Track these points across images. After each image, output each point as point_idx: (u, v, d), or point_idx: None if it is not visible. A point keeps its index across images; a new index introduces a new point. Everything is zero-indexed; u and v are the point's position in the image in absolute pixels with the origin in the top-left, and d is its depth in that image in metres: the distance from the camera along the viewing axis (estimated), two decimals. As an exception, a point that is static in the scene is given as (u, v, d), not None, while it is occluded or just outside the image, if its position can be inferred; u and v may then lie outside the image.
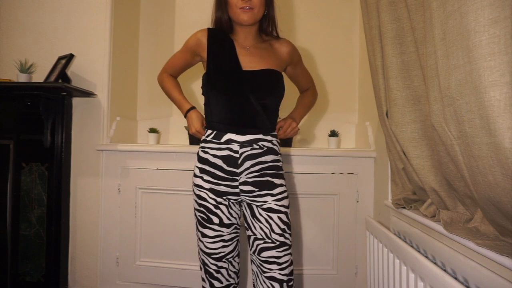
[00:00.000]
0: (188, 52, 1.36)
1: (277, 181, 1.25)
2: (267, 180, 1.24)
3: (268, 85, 1.25)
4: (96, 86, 2.02)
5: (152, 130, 2.16)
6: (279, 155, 1.30)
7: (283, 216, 1.23)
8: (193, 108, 1.34)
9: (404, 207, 1.28)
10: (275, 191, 1.24)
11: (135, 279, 1.95)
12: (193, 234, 1.91)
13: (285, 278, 1.22)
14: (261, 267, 1.23)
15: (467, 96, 0.72)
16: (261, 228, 1.23)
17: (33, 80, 1.93)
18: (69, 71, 1.98)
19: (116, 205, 1.97)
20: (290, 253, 1.24)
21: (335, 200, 1.88)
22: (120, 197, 1.97)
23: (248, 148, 1.22)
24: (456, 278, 0.86)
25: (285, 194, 1.26)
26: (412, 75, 1.12)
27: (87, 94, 1.97)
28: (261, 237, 1.23)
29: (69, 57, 1.90)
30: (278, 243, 1.21)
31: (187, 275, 1.90)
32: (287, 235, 1.23)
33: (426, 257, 1.03)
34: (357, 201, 1.87)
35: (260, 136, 1.23)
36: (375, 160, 1.85)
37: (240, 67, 1.24)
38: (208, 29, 1.32)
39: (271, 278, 1.21)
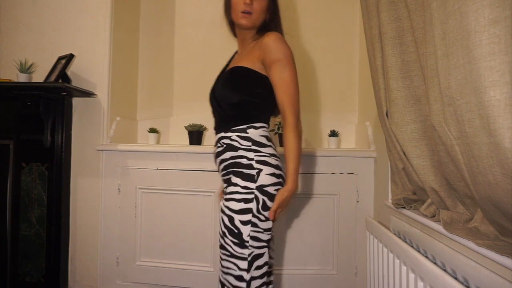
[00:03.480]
0: None
1: (233, 179, 1.15)
2: (229, 178, 1.19)
3: (227, 82, 1.21)
4: (96, 86, 2.02)
5: (152, 130, 2.16)
6: (241, 151, 1.15)
7: (225, 218, 1.13)
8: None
9: (404, 207, 1.28)
10: (227, 190, 1.17)
11: (135, 279, 1.95)
12: (193, 234, 1.92)
13: (226, 283, 1.13)
14: None
15: (467, 96, 0.72)
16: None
17: (33, 80, 1.93)
18: (69, 71, 1.98)
19: (116, 205, 1.97)
20: (235, 264, 1.11)
21: (335, 200, 1.88)
22: (120, 197, 1.97)
23: (216, 147, 1.25)
24: (456, 278, 0.86)
25: (234, 196, 1.13)
26: (412, 75, 1.12)
27: (87, 94, 1.96)
28: None
29: (69, 57, 1.90)
30: (219, 244, 1.17)
31: (187, 275, 1.90)
32: (227, 241, 1.11)
33: (426, 257, 1.03)
34: (357, 201, 1.87)
35: (222, 134, 1.21)
36: (375, 160, 1.85)
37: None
38: None
39: (220, 278, 1.18)
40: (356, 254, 1.86)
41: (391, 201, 1.41)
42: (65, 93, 1.90)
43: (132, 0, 2.30)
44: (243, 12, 1.20)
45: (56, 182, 1.92)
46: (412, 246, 1.13)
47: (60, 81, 1.85)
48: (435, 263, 0.98)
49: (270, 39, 1.14)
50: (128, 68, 2.29)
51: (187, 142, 2.19)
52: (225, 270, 1.13)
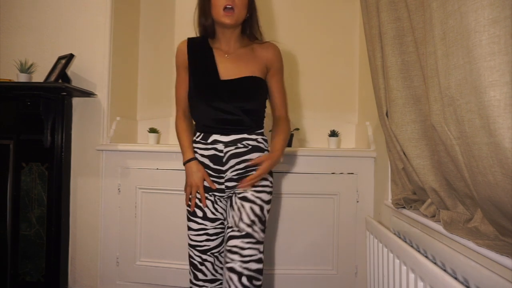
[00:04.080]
0: (181, 69, 1.35)
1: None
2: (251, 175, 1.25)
3: (247, 92, 1.27)
4: (96, 86, 2.02)
5: (152, 130, 2.16)
6: (266, 152, 1.31)
7: (256, 208, 1.23)
8: (194, 159, 1.28)
9: (404, 207, 1.28)
10: (259, 183, 1.26)
11: (135, 279, 1.95)
12: (193, 234, 1.92)
13: (245, 271, 1.16)
14: (226, 258, 1.21)
15: (467, 96, 0.72)
16: (232, 216, 1.24)
17: (33, 80, 1.93)
18: (69, 71, 1.98)
19: (116, 205, 1.97)
20: (257, 249, 1.20)
21: (335, 200, 1.88)
22: (120, 197, 1.97)
23: (233, 148, 1.26)
24: (456, 278, 0.86)
25: (266, 189, 1.28)
26: (412, 75, 1.12)
27: (87, 94, 1.96)
28: (230, 225, 1.24)
29: (69, 57, 1.90)
30: (244, 233, 1.20)
31: (187, 275, 1.89)
32: (256, 228, 1.21)
33: (426, 257, 1.03)
34: (357, 201, 1.87)
35: (245, 135, 1.27)
36: (375, 160, 1.85)
37: (218, 77, 1.27)
38: (188, 39, 1.37)
39: (230, 269, 1.17)
40: (356, 254, 1.86)
41: (391, 201, 1.41)
42: (65, 93, 1.90)
43: (132, 0, 2.30)
44: (225, 8, 1.21)
45: (56, 182, 1.92)
46: (412, 246, 1.13)
47: (60, 81, 1.85)
48: (435, 263, 0.98)
49: (277, 52, 1.34)
50: (128, 68, 2.29)
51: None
52: (247, 258, 1.19)
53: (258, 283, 1.18)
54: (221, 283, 1.30)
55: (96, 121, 2.01)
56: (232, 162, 1.26)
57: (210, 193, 1.29)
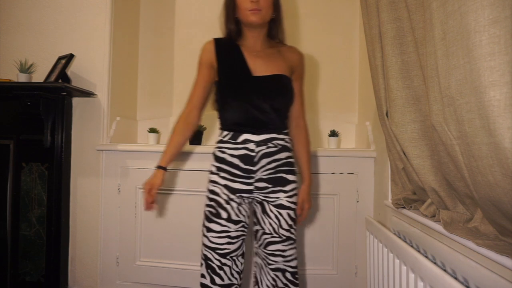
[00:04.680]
0: (204, 66, 1.35)
1: (290, 177, 1.30)
2: (281, 177, 1.29)
3: (278, 89, 1.28)
4: (96, 86, 2.02)
5: (152, 130, 2.16)
6: (292, 152, 1.35)
7: (291, 213, 1.30)
8: (163, 168, 1.33)
9: (404, 207, 1.28)
10: (287, 188, 1.29)
11: (135, 279, 1.95)
12: (193, 234, 1.91)
13: (289, 268, 1.28)
14: (267, 260, 1.29)
15: (467, 96, 0.72)
16: (270, 223, 1.29)
17: (33, 80, 1.93)
18: (69, 71, 1.98)
19: (116, 205, 1.97)
20: (295, 247, 1.31)
21: (335, 200, 1.88)
22: (120, 197, 1.97)
23: (264, 147, 1.27)
24: (456, 278, 0.86)
25: (296, 191, 1.33)
26: (412, 75, 1.12)
27: (87, 94, 1.96)
28: (269, 232, 1.29)
29: (69, 57, 1.90)
30: (284, 237, 1.28)
31: (187, 275, 1.90)
32: (293, 230, 1.30)
33: (426, 257, 1.03)
34: (357, 201, 1.87)
35: (274, 135, 1.28)
36: (375, 160, 1.85)
37: (250, 73, 1.27)
38: (215, 38, 1.35)
39: (276, 270, 1.28)
40: (356, 254, 1.86)
41: (391, 201, 1.41)
42: (65, 93, 1.90)
43: (132, 0, 2.30)
44: (252, 9, 1.22)
45: (56, 182, 1.92)
46: (412, 246, 1.13)
47: (60, 81, 1.85)
48: (435, 263, 0.98)
49: (302, 57, 1.38)
50: (128, 68, 2.29)
51: (187, 142, 2.19)
52: (289, 258, 1.28)
53: (297, 276, 1.31)
54: (237, 287, 1.29)
55: (96, 121, 2.01)
56: (264, 161, 1.27)
57: (238, 195, 1.27)
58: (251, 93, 1.25)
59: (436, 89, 0.86)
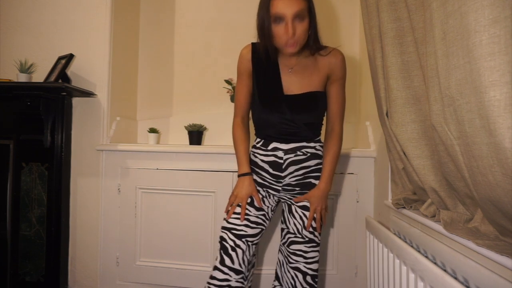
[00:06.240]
0: (244, 75, 1.33)
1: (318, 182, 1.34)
2: (310, 182, 1.34)
3: (309, 108, 1.30)
4: (96, 86, 2.02)
5: (152, 130, 2.16)
6: (321, 159, 1.37)
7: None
8: (249, 174, 1.32)
9: (404, 207, 1.28)
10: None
11: (135, 279, 1.95)
12: (193, 234, 1.92)
13: (309, 271, 1.32)
14: (288, 258, 1.36)
15: (467, 96, 0.72)
16: (294, 223, 1.34)
17: (33, 80, 1.93)
18: (69, 71, 1.98)
19: (116, 205, 1.97)
20: (317, 251, 1.35)
21: (335, 200, 1.88)
22: (120, 197, 1.97)
23: (292, 155, 1.31)
24: (456, 278, 0.86)
25: None
26: (412, 75, 1.12)
27: (87, 94, 1.97)
28: (293, 232, 1.34)
29: (69, 57, 1.90)
30: (307, 239, 1.33)
31: (187, 275, 1.90)
32: (316, 234, 1.34)
33: (426, 257, 1.03)
34: (357, 201, 1.87)
35: (304, 143, 1.32)
36: (375, 160, 1.85)
37: (282, 91, 1.28)
38: (252, 45, 1.32)
39: (296, 269, 1.33)
40: (356, 254, 1.86)
41: (391, 201, 1.41)
42: (65, 93, 1.90)
43: (132, 0, 2.30)
44: (288, 44, 1.18)
45: (56, 182, 1.92)
46: (412, 246, 1.13)
47: (60, 81, 1.85)
48: (435, 263, 0.98)
49: (341, 60, 1.34)
50: (128, 68, 2.29)
51: (187, 142, 2.19)
52: (310, 260, 1.33)
53: (317, 279, 1.35)
54: (244, 278, 1.27)
55: (96, 121, 2.01)
56: (291, 169, 1.31)
57: (265, 189, 1.34)
58: (282, 110, 1.27)
59: (436, 89, 0.86)
